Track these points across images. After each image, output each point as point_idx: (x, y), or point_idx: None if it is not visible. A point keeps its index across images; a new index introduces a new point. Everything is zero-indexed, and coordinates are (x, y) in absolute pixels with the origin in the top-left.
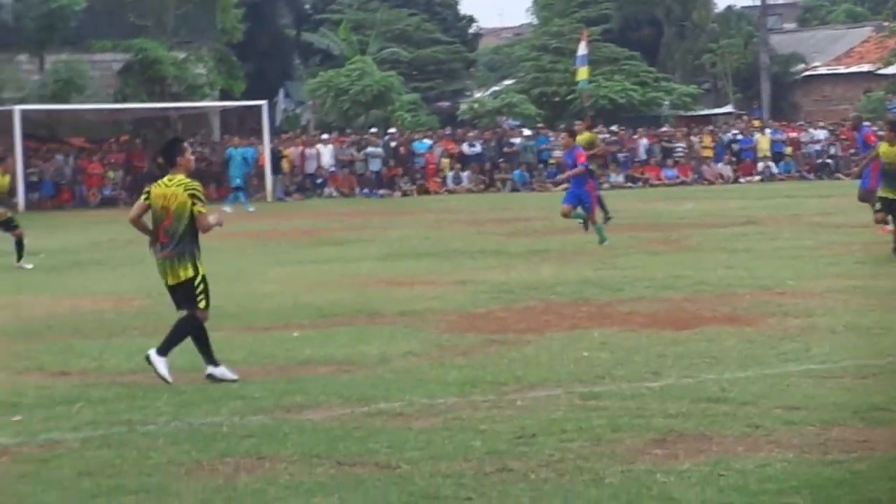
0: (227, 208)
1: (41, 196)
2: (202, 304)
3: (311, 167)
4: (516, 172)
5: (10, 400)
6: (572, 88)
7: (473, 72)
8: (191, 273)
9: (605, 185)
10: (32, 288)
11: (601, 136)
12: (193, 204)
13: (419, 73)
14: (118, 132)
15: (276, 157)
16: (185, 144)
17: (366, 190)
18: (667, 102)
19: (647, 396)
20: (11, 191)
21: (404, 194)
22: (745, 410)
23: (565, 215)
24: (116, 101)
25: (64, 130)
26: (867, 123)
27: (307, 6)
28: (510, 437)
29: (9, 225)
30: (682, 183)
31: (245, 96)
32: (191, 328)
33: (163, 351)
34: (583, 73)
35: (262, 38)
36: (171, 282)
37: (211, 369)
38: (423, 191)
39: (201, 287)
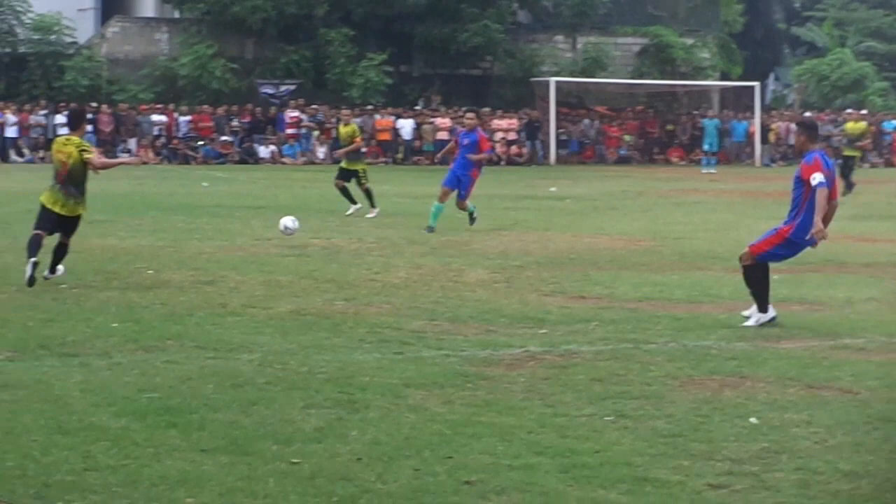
0: (712, 169)
1: (568, 152)
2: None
3: (793, 139)
4: None
5: (538, 316)
6: None
7: None
8: (81, 211)
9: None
10: (559, 227)
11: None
12: (81, 153)
13: (891, 64)
14: (634, 103)
15: (765, 130)
16: (86, 117)
17: (839, 160)
18: None
19: None
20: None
21: (872, 166)
22: None
23: (461, 209)
24: (633, 78)
25: (590, 100)
26: None
27: (797, 4)
28: None
29: (359, 178)
30: None
31: (741, 78)
32: (63, 253)
33: (52, 269)
34: None
35: (757, 29)
36: (63, 213)
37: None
38: (889, 163)
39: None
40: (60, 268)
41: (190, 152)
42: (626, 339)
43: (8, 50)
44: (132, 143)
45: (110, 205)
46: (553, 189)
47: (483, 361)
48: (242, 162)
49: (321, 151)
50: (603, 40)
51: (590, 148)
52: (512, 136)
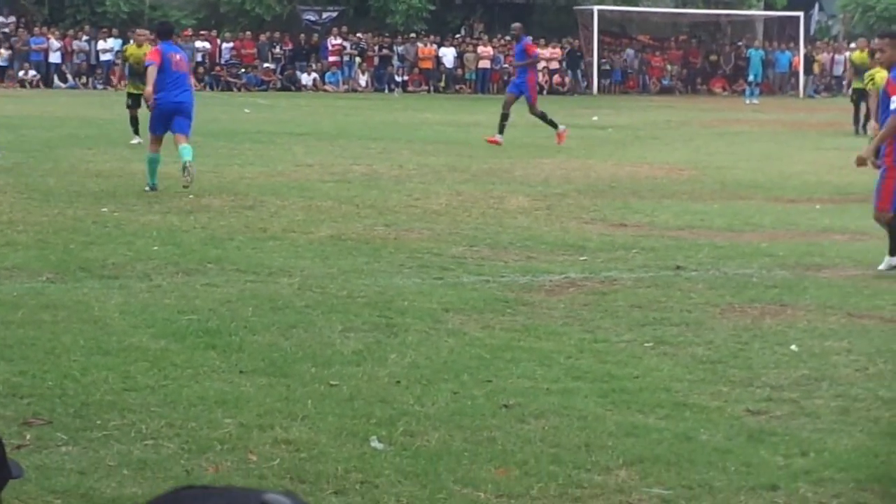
0: (755, 100)
1: (611, 82)
2: None
3: (837, 70)
4: None
5: (578, 243)
6: None
7: None
8: None
9: None
10: (600, 155)
11: None
12: None
13: None
14: (677, 32)
15: (809, 61)
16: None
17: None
18: None
19: None
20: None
21: None
22: None
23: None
24: (677, 6)
25: (633, 28)
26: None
27: None
28: None
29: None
30: None
31: (785, 8)
32: None
33: None
34: None
35: None
36: None
37: None
38: None
39: None
40: None
41: (231, 79)
42: (666, 266)
43: None
44: None
45: None
46: (595, 118)
47: (523, 287)
48: (284, 89)
49: (363, 79)
50: None
51: (632, 77)
52: (554, 65)
